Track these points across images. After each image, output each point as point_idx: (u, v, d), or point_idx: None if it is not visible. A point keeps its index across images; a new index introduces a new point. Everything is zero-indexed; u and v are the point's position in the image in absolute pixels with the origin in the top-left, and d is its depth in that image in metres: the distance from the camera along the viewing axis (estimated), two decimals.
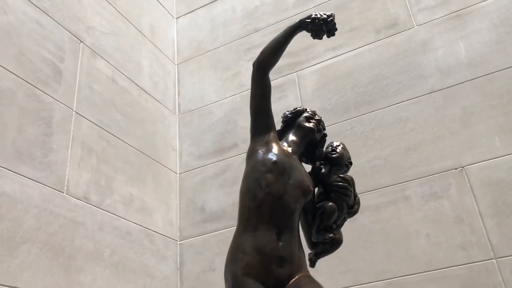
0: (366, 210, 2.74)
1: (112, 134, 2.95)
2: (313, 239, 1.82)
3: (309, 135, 1.83)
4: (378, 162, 2.87)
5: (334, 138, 3.00)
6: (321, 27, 1.76)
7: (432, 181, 2.68)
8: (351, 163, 1.93)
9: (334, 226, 1.85)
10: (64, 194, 2.46)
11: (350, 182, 1.88)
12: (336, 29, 1.82)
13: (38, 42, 2.61)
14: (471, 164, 2.63)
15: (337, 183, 1.85)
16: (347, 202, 1.87)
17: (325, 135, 1.94)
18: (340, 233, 1.86)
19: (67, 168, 2.54)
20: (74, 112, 2.71)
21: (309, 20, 1.77)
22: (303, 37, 3.43)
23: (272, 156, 1.66)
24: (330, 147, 1.91)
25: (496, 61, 2.78)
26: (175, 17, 4.20)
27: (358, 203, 1.93)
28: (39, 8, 2.68)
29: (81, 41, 2.95)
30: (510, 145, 2.58)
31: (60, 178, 2.47)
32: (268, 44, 1.83)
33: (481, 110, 2.72)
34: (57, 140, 2.52)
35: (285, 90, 3.40)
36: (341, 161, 1.88)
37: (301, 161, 1.83)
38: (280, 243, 1.57)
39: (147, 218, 3.02)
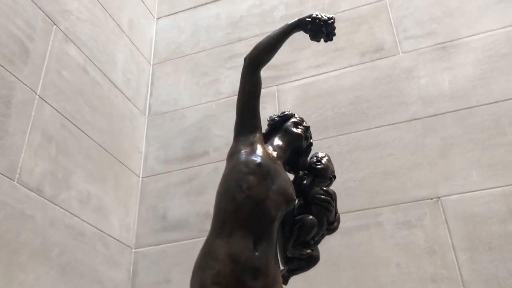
0: (337, 233, 2.62)
1: (76, 126, 2.74)
2: (289, 254, 1.68)
3: (296, 141, 1.72)
4: (353, 184, 2.78)
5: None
6: (321, 28, 1.67)
7: (407, 209, 2.61)
8: (334, 177, 1.82)
9: (312, 242, 1.72)
10: (15, 182, 2.23)
11: (333, 196, 1.76)
12: (334, 34, 1.73)
13: (7, 16, 2.40)
14: (447, 196, 2.57)
15: (319, 195, 1.73)
16: (327, 217, 1.75)
17: (311, 144, 1.83)
18: (318, 250, 1.74)
19: (22, 155, 2.31)
20: (37, 96, 2.49)
21: (309, 19, 1.68)
22: (287, 52, 3.37)
23: (257, 158, 1.53)
24: (315, 158, 1.80)
25: (479, 96, 2.78)
26: (155, 17, 4.06)
27: (339, 220, 1.82)
28: None
29: (55, 24, 2.75)
30: (486, 180, 2.55)
31: (13, 164, 2.24)
32: (263, 40, 1.73)
33: (460, 142, 2.69)
34: (14, 123, 2.30)
35: (264, 102, 3.24)
36: (325, 173, 1.77)
37: (284, 168, 1.71)
38: (257, 253, 1.42)
39: (103, 220, 2.80)
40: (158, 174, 3.28)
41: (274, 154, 1.64)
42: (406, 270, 2.46)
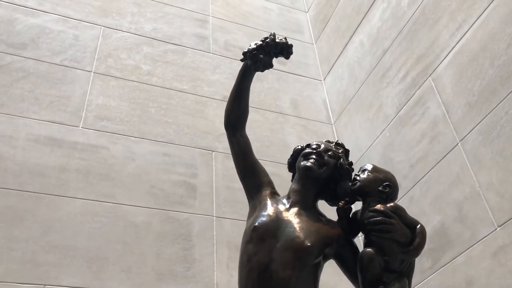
0: None
1: None
2: None
3: (307, 175, 1.48)
4: None
5: (490, 134, 2.31)
6: (258, 57, 1.48)
7: None
8: (389, 186, 1.43)
9: (394, 276, 1.36)
10: None
11: (387, 212, 1.38)
12: (289, 46, 1.50)
13: (167, 171, 2.97)
14: None
15: (368, 220, 1.39)
16: (395, 240, 1.36)
17: (343, 165, 1.51)
18: (400, 284, 1.35)
19: (215, 273, 2.66)
20: (214, 218, 2.89)
21: (244, 57, 1.53)
22: (425, 33, 2.88)
23: (254, 221, 1.41)
24: (354, 177, 1.48)
25: None
26: (322, 79, 4.14)
27: (420, 234, 1.38)
28: (164, 142, 3.10)
29: (213, 151, 3.21)
30: None
31: (208, 285, 2.60)
32: (228, 100, 1.65)
33: None
34: (199, 250, 2.71)
35: (425, 102, 2.83)
36: (368, 189, 1.43)
37: (313, 207, 1.46)
38: None
39: None
40: None
41: (287, 202, 1.45)
42: None
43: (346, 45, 3.85)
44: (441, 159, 2.59)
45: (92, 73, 3.21)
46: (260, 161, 3.18)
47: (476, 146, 2.38)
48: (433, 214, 2.52)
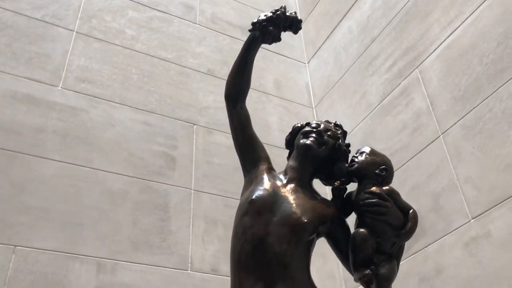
0: None
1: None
2: (355, 280, 1.39)
3: (306, 154, 1.48)
4: None
5: (472, 129, 2.35)
6: (267, 29, 1.46)
7: None
8: (385, 170, 1.45)
9: (384, 258, 1.39)
10: (189, 271, 2.56)
11: (382, 195, 1.40)
12: (299, 21, 1.48)
13: (147, 140, 2.92)
14: None
15: (363, 201, 1.41)
16: (388, 222, 1.39)
17: (341, 146, 1.52)
18: (390, 265, 1.38)
19: (190, 245, 2.65)
20: (192, 191, 2.86)
21: (252, 28, 1.50)
22: (416, 25, 2.90)
23: (250, 194, 1.40)
24: (351, 158, 1.49)
25: None
26: (306, 62, 4.13)
27: (413, 219, 1.41)
28: (145, 110, 3.03)
29: (195, 124, 3.16)
30: None
31: (182, 257, 2.59)
32: (230, 70, 1.62)
33: None
34: (175, 222, 2.69)
35: (410, 93, 2.87)
36: (366, 171, 1.45)
37: (309, 185, 1.47)
38: None
39: None
40: None
41: (284, 178, 1.45)
42: None
43: (334, 30, 3.84)
44: (422, 150, 2.65)
45: (74, 32, 3.09)
46: None
47: (458, 140, 2.44)
48: (409, 203, 2.57)
